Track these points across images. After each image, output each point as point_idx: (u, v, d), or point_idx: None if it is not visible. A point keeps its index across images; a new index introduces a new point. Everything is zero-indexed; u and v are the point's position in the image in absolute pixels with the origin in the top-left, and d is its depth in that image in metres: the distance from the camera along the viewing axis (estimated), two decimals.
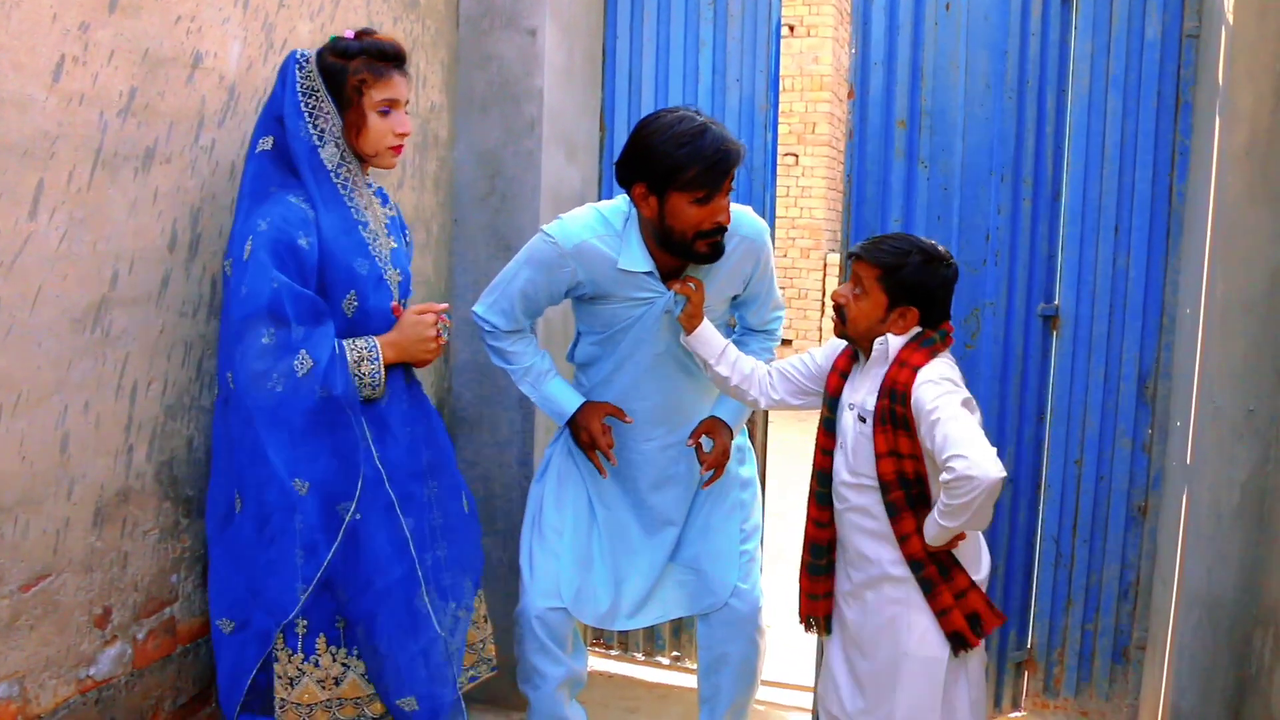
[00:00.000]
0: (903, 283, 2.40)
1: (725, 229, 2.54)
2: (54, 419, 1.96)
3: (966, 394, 2.37)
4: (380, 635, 2.25)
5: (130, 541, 2.17)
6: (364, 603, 2.23)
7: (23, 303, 1.87)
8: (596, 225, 2.64)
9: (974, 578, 2.44)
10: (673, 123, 2.47)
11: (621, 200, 2.68)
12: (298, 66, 2.23)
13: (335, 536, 2.18)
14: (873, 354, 2.45)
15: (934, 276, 2.42)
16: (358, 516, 2.21)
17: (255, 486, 2.14)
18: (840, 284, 2.53)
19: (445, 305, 2.44)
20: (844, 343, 2.61)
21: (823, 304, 11.87)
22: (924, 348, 2.40)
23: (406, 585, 2.29)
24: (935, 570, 2.39)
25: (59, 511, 1.99)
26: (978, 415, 2.38)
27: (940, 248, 2.46)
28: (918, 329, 2.43)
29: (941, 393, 2.30)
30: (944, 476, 2.22)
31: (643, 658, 3.86)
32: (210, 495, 2.25)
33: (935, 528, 2.31)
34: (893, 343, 2.42)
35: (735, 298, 2.81)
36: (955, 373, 2.42)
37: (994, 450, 2.22)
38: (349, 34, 2.26)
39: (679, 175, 2.44)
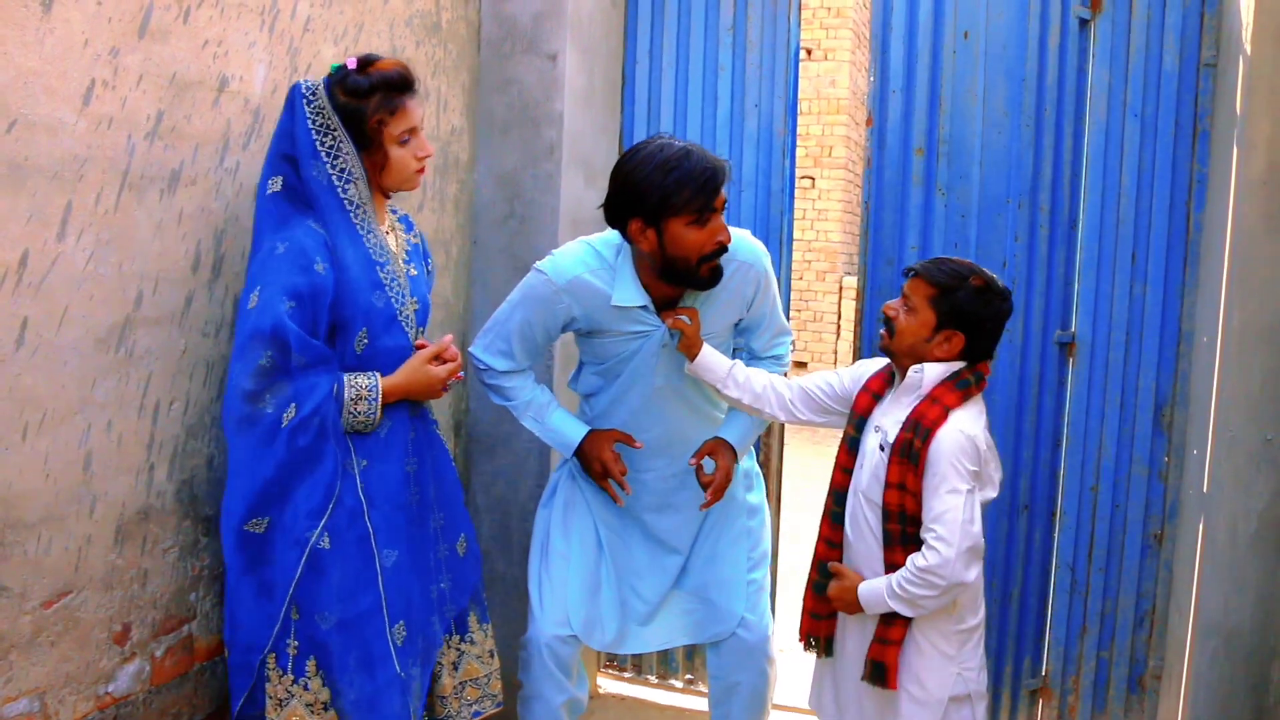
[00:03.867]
0: (954, 306, 2.38)
1: (726, 248, 2.53)
2: (77, 437, 1.98)
3: (985, 456, 2.37)
4: (337, 667, 2.21)
5: (150, 559, 2.19)
6: (322, 632, 2.20)
7: (49, 322, 1.90)
8: (589, 259, 2.63)
9: (971, 623, 2.45)
10: (654, 152, 2.47)
11: (612, 233, 2.65)
12: (305, 101, 2.20)
13: (295, 570, 2.15)
14: (906, 381, 2.43)
15: (987, 306, 2.40)
16: (325, 545, 2.19)
17: (229, 521, 2.15)
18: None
19: (458, 357, 2.43)
20: (874, 366, 2.60)
21: (838, 327, 11.87)
22: (959, 389, 2.38)
23: (367, 621, 2.25)
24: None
25: (81, 529, 2.01)
26: (989, 489, 2.39)
27: (1000, 282, 2.45)
28: (959, 364, 2.42)
29: (960, 459, 2.31)
30: (916, 559, 2.30)
31: (656, 680, 3.85)
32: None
33: (876, 596, 2.38)
34: (928, 374, 2.40)
35: (738, 323, 2.79)
36: (982, 423, 2.40)
37: (976, 545, 2.31)
38: (351, 63, 2.23)
39: (672, 201, 2.43)
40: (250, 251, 2.24)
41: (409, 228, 2.50)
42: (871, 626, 2.46)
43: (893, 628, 2.40)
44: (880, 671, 2.41)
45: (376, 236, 2.30)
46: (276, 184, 2.21)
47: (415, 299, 2.40)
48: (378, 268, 2.28)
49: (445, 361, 2.39)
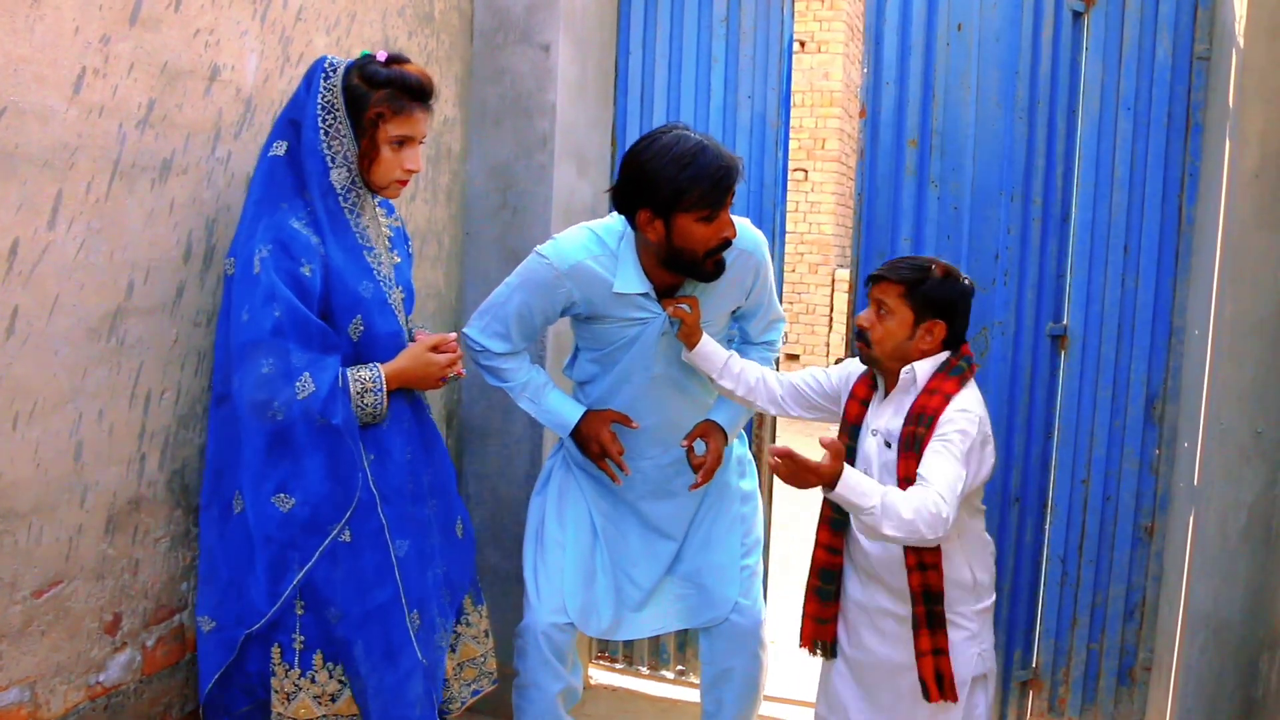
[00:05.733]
0: (927, 296, 2.42)
1: (731, 243, 2.55)
2: (69, 427, 1.98)
3: (986, 433, 2.42)
4: (360, 660, 2.21)
5: (141, 549, 2.18)
6: (344, 626, 2.20)
7: (40, 311, 1.89)
8: (591, 245, 2.62)
9: (989, 601, 2.50)
10: (670, 144, 2.46)
11: (615, 219, 2.66)
12: (324, 76, 2.20)
13: (312, 556, 2.14)
14: (899, 382, 2.46)
15: (954, 289, 2.46)
16: (346, 539, 2.19)
17: (251, 495, 2.14)
18: (856, 307, 2.55)
19: (458, 351, 2.41)
20: (859, 367, 2.62)
21: (830, 319, 11.87)
22: (953, 376, 2.42)
23: (388, 612, 2.26)
24: (924, 612, 2.39)
25: (72, 519, 2.00)
26: (987, 466, 2.43)
27: (953, 266, 2.50)
28: (945, 355, 2.45)
29: (963, 429, 2.33)
30: (930, 503, 2.19)
31: (647, 671, 3.86)
32: (205, 487, 2.23)
33: (862, 495, 2.19)
34: (920, 370, 2.43)
35: (735, 310, 2.80)
36: (982, 405, 2.44)
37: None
38: (381, 56, 2.23)
39: (684, 197, 2.43)
40: (241, 211, 2.22)
41: (390, 211, 2.47)
42: (897, 630, 2.47)
43: (939, 635, 2.37)
44: (941, 683, 2.38)
45: (363, 222, 2.29)
46: (280, 148, 2.20)
47: (400, 287, 2.39)
48: (365, 251, 2.28)
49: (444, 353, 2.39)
